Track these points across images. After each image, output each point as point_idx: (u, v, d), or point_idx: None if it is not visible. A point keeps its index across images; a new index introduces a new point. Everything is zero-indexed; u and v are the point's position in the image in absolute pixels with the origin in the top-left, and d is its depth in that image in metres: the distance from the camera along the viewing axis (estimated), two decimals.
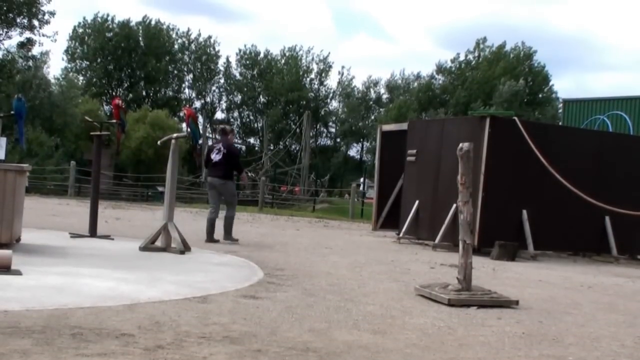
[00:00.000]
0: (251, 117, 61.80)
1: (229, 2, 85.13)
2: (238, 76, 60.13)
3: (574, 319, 5.47)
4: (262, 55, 60.12)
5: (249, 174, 41.94)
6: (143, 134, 38.37)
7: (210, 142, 48.84)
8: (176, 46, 58.18)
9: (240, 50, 60.18)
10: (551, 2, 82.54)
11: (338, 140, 61.02)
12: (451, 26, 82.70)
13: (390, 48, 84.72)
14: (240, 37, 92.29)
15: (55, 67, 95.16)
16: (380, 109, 58.16)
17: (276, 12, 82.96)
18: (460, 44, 75.90)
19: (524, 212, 11.11)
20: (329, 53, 77.06)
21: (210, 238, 9.82)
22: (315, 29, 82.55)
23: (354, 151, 61.58)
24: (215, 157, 10.09)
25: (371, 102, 59.73)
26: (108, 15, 55.12)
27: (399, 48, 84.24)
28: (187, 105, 51.62)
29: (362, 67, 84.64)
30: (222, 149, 10.14)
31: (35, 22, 37.22)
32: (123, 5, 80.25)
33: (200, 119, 49.40)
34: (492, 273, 8.39)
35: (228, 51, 70.01)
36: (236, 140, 61.66)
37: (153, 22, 56.44)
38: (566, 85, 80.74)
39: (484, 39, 56.74)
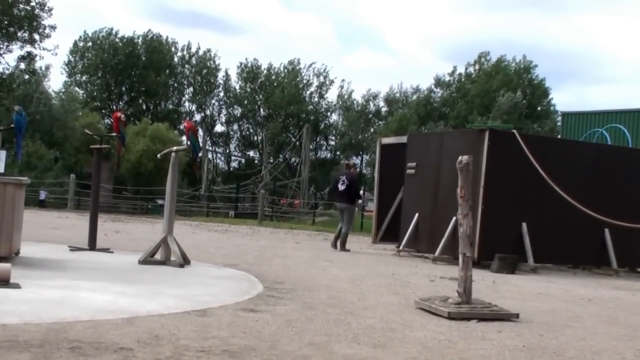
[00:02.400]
0: (251, 130, 61.93)
1: (232, 15, 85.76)
2: (238, 89, 60.34)
3: (574, 332, 5.46)
4: (262, 68, 60.40)
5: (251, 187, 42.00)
6: (143, 147, 38.44)
7: (209, 155, 49.00)
8: (176, 59, 58.43)
9: (241, 64, 60.46)
10: (552, 16, 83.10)
11: (338, 153, 61.11)
12: (451, 39, 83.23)
13: (391, 61, 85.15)
14: (243, 51, 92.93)
15: (55, 81, 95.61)
16: (380, 122, 58.31)
17: (280, 26, 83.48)
18: (459, 57, 76.37)
19: (524, 224, 11.10)
20: (330, 67, 77.50)
21: (335, 245, 12.50)
22: (318, 42, 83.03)
23: None
24: (340, 187, 12.67)
25: (370, 115, 59.90)
26: (112, 29, 55.47)
27: (399, 61, 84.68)
28: (187, 119, 51.78)
29: (362, 80, 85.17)
30: (345, 180, 12.64)
31: (36, 36, 37.42)
32: (126, 19, 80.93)
33: (200, 132, 49.49)
34: (492, 286, 8.37)
35: (230, 64, 70.54)
36: (236, 154, 61.95)
37: (153, 36, 56.70)
38: (567, 98, 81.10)
39: (487, 53, 57.02)
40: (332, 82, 60.17)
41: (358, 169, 14.28)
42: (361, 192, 13.56)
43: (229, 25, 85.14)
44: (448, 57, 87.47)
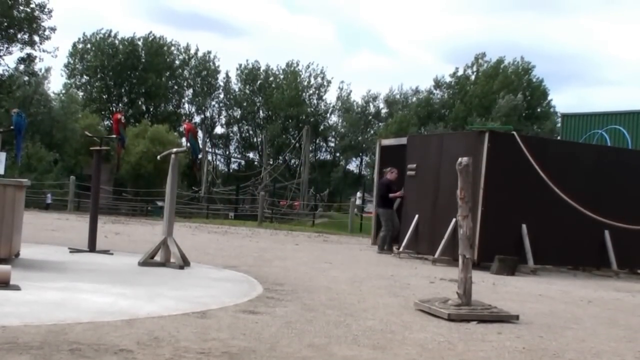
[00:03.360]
0: (250, 132, 61.98)
1: (235, 17, 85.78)
2: (237, 91, 60.38)
3: (574, 334, 5.45)
4: (262, 70, 60.41)
5: (251, 189, 41.98)
6: (143, 149, 38.46)
7: (209, 157, 49.05)
8: (177, 62, 58.46)
9: (240, 65, 60.49)
10: (553, 18, 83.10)
11: (337, 154, 61.15)
12: (452, 41, 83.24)
13: (392, 62, 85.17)
14: (245, 53, 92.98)
15: (55, 83, 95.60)
16: (380, 124, 58.34)
17: (282, 28, 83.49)
18: (461, 59, 76.62)
19: (524, 226, 11.10)
20: (327, 67, 77.71)
21: (381, 249, 12.97)
22: (319, 44, 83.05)
23: (353, 165, 61.74)
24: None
25: (370, 117, 59.94)
26: (110, 31, 55.50)
27: (400, 62, 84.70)
28: (187, 120, 51.79)
29: (363, 82, 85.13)
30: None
31: (36, 38, 37.44)
32: (128, 21, 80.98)
33: (200, 134, 49.50)
34: (492, 287, 8.37)
35: (233, 66, 70.45)
36: (236, 156, 61.92)
37: (153, 38, 56.72)
38: (568, 100, 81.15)
39: (483, 54, 57.16)
40: (329, 82, 60.29)
41: (392, 173, 13.36)
42: (392, 194, 13.09)
43: (231, 27, 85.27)
44: (449, 59, 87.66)
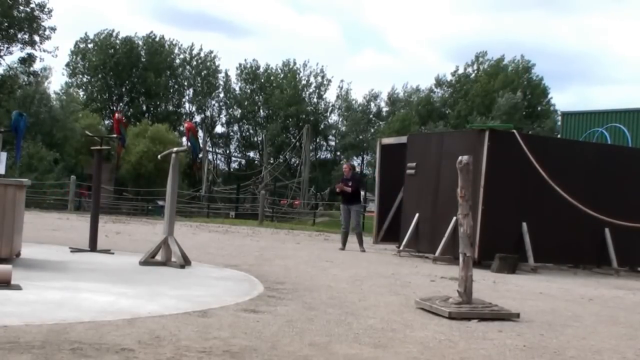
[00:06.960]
0: (251, 131, 61.97)
1: (240, 18, 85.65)
2: (238, 90, 60.40)
3: (575, 332, 5.46)
4: (262, 69, 60.41)
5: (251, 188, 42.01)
6: (143, 148, 38.44)
7: (209, 156, 49.12)
8: (178, 61, 58.45)
9: (240, 65, 60.48)
10: (557, 17, 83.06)
11: (338, 153, 61.13)
12: (456, 40, 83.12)
13: (396, 62, 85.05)
14: (250, 53, 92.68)
15: (56, 82, 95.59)
16: (381, 122, 58.32)
17: (287, 28, 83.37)
18: (465, 58, 76.40)
19: (524, 224, 11.11)
20: (328, 66, 77.70)
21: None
22: (325, 44, 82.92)
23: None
24: None
25: (371, 116, 59.92)
26: (113, 30, 55.48)
27: (404, 62, 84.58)
28: (188, 120, 51.84)
29: (368, 81, 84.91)
30: None
31: (36, 38, 37.42)
32: (133, 21, 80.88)
33: (200, 133, 49.48)
34: (492, 286, 8.38)
35: (232, 65, 70.23)
36: (236, 155, 61.88)
37: (154, 38, 56.72)
38: (569, 98, 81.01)
39: (484, 53, 57.10)
40: (329, 81, 60.27)
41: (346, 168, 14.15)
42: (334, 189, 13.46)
43: (237, 28, 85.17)
44: (453, 58, 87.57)
